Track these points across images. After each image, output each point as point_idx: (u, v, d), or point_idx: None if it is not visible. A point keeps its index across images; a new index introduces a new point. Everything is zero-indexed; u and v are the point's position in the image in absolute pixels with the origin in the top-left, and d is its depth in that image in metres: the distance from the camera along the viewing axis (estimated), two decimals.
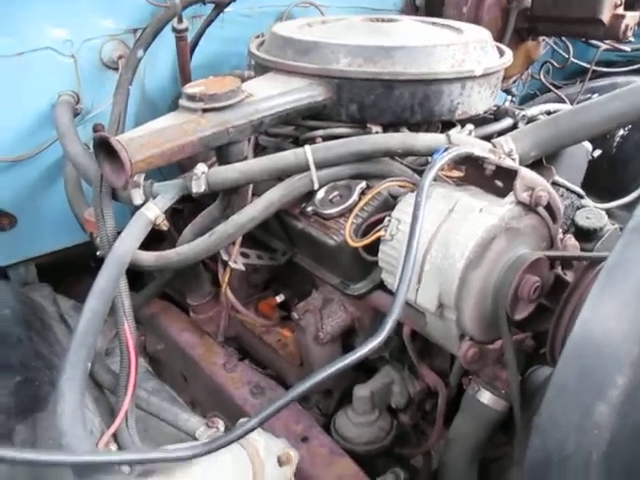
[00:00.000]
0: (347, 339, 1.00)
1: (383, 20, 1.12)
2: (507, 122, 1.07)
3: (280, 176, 0.90)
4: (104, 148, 0.80)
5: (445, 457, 0.93)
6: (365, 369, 1.06)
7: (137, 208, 0.88)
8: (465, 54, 0.98)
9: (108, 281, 0.80)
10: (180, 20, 1.11)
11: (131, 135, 0.81)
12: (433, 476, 1.02)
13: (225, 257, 0.97)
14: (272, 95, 0.92)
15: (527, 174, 0.75)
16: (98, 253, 1.00)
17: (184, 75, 1.21)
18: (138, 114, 1.25)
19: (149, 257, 0.89)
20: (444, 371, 1.00)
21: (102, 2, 1.15)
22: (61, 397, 0.63)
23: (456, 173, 0.94)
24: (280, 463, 0.77)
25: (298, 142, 1.05)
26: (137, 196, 0.90)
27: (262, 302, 1.10)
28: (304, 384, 0.64)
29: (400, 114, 0.97)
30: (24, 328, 0.92)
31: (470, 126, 1.00)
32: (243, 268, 0.97)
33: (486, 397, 0.89)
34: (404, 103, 0.96)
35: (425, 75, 0.94)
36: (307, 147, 0.88)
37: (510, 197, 0.77)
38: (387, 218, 0.83)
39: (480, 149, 0.79)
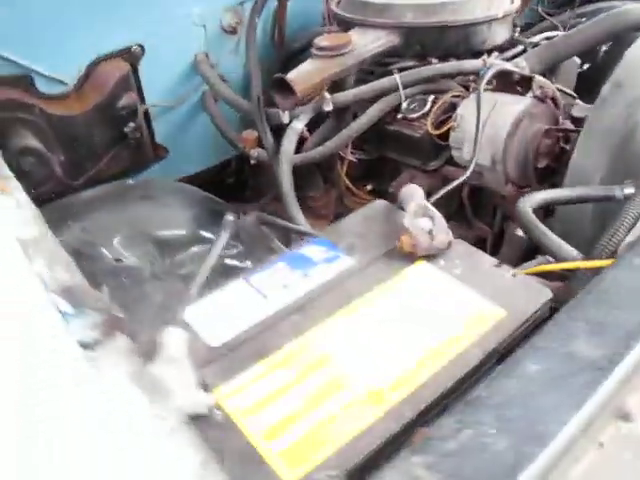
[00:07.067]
0: None
1: None
2: (519, 48, 1.65)
3: (378, 96, 1.48)
4: (277, 85, 1.38)
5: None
6: None
7: None
8: (490, 3, 1.56)
9: (287, 168, 1.39)
10: None
11: (293, 75, 1.38)
12: None
13: (342, 154, 1.56)
14: (367, 43, 1.49)
15: (539, 78, 1.35)
16: (252, 161, 1.60)
17: (280, 36, 1.77)
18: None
19: (298, 157, 1.48)
20: (488, 224, 1.62)
21: None
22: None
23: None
24: None
25: (374, 75, 1.61)
26: (286, 117, 1.48)
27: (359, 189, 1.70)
28: None
29: (449, 49, 1.55)
30: None
31: (495, 53, 1.59)
32: (355, 159, 1.57)
33: (521, 231, 1.51)
34: (452, 41, 1.54)
35: (466, 21, 1.52)
36: (397, 75, 1.46)
37: (530, 94, 1.36)
38: (453, 115, 1.42)
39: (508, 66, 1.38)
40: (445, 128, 1.43)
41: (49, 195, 1.47)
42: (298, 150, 1.54)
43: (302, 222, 1.27)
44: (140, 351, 0.60)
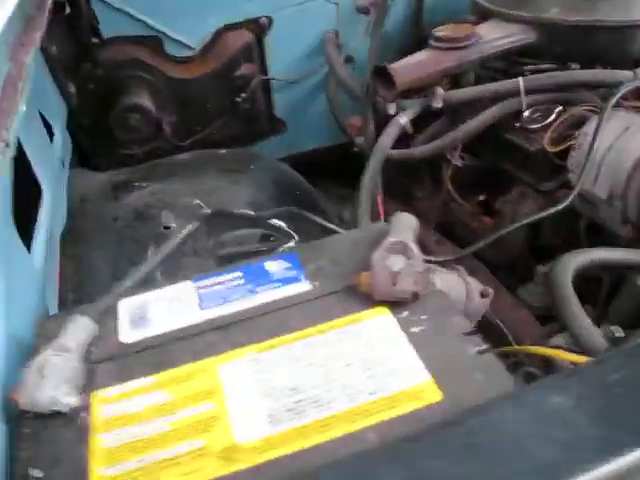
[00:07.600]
0: None
1: None
2: None
3: (496, 98, 1.30)
4: (380, 73, 1.28)
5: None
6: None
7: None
8: None
9: (376, 163, 1.29)
10: None
11: (398, 64, 1.27)
12: None
13: (449, 157, 1.41)
14: (496, 38, 1.32)
15: None
16: (355, 149, 1.51)
17: (418, 19, 1.64)
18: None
19: (397, 153, 1.37)
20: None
21: None
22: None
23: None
24: (482, 295, 1.22)
25: (507, 74, 1.43)
26: (392, 108, 1.37)
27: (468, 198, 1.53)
28: None
29: (596, 54, 1.31)
30: None
31: None
32: (460, 164, 1.41)
33: None
34: (601, 46, 1.30)
35: (622, 22, 1.26)
36: (520, 78, 1.27)
37: None
38: (577, 132, 1.20)
39: None
40: (565, 146, 1.22)
41: (157, 152, 1.54)
42: (407, 146, 1.43)
43: (362, 223, 1.17)
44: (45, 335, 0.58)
